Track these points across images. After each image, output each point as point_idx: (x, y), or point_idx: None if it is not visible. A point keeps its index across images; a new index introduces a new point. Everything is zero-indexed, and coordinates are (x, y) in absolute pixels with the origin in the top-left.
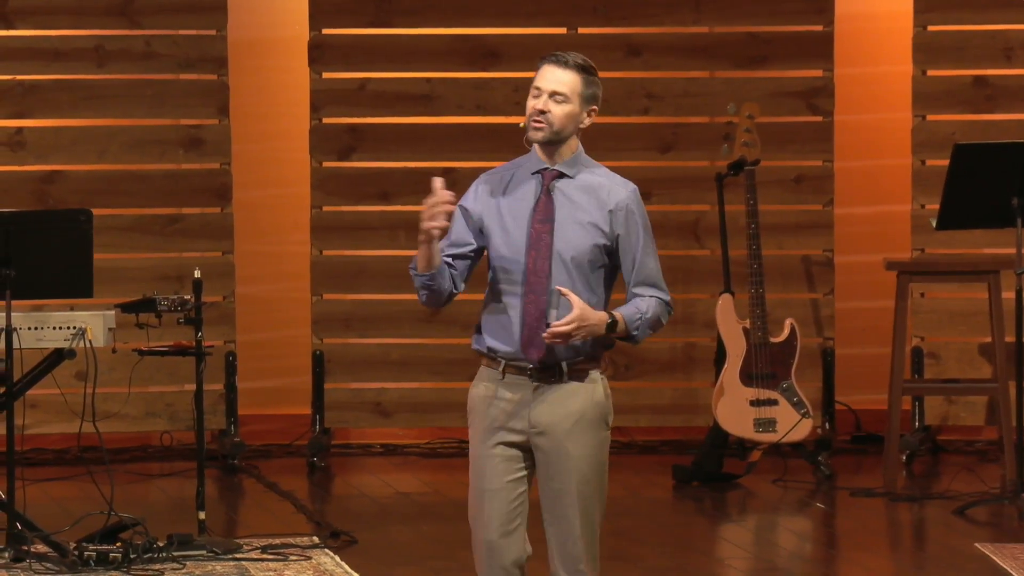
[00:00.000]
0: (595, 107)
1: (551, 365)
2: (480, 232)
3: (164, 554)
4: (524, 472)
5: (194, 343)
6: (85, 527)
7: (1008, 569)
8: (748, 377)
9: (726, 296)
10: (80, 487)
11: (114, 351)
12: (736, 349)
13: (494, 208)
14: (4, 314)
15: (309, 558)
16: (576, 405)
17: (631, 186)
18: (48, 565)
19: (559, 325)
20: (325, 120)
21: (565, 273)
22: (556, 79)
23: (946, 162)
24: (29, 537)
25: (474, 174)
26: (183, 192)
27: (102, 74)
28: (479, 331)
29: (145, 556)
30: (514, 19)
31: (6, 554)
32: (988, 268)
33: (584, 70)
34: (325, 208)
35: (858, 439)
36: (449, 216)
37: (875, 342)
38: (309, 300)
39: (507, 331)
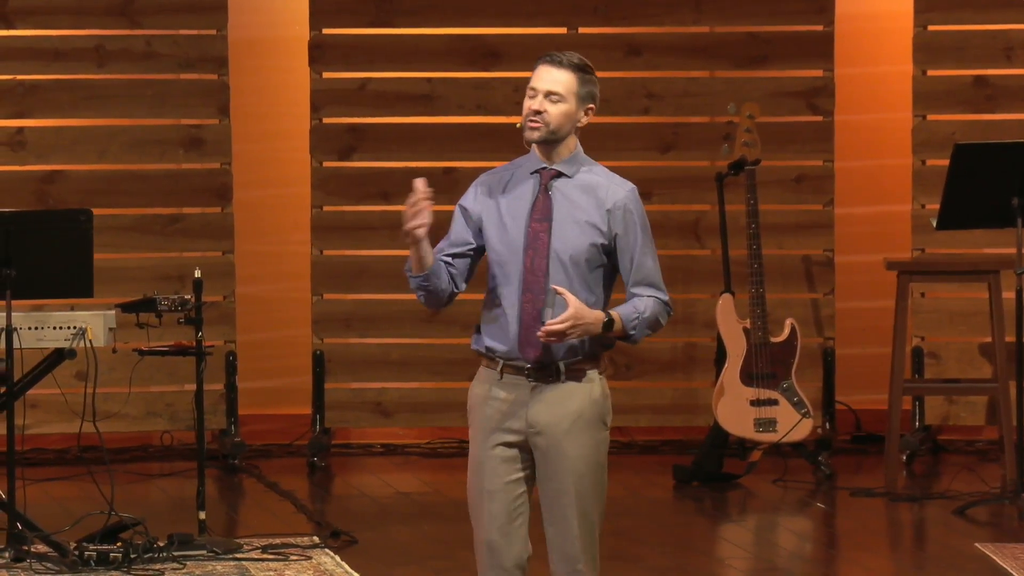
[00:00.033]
0: (592, 106)
1: (548, 365)
2: (480, 231)
3: (164, 554)
4: (524, 472)
5: (194, 343)
6: (85, 527)
7: (1008, 569)
8: (748, 377)
9: (726, 296)
10: (80, 487)
11: (114, 351)
12: (736, 349)
13: (493, 207)
14: (4, 314)
15: (309, 558)
16: (573, 405)
17: (629, 185)
18: (48, 565)
19: (553, 323)
20: (325, 120)
21: (563, 272)
22: (551, 79)
23: (946, 162)
24: (29, 537)
25: (474, 174)
26: (183, 192)
27: (102, 74)
28: (478, 331)
29: (145, 556)
30: (514, 19)
31: (6, 554)
32: (988, 268)
33: (580, 69)
34: (325, 208)
35: (858, 439)
36: (431, 214)
37: (875, 342)
38: (309, 300)
39: (505, 330)
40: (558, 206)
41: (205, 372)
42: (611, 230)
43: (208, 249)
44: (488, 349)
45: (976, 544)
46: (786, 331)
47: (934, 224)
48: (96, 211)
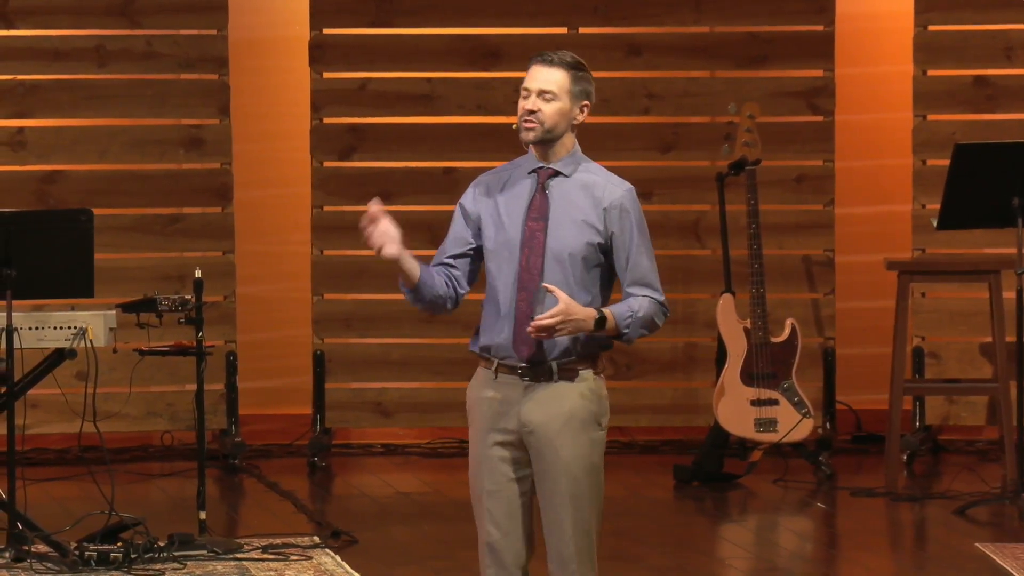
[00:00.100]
0: (587, 102)
1: (541, 364)
2: (479, 231)
3: (165, 554)
4: (524, 472)
5: (195, 343)
6: (86, 527)
7: (1009, 569)
8: (749, 377)
9: (727, 296)
10: (81, 487)
11: (115, 351)
12: (737, 349)
13: (491, 206)
14: (5, 314)
15: (310, 558)
16: (566, 405)
17: (627, 185)
18: (49, 565)
19: (543, 318)
20: (326, 120)
21: (559, 271)
22: (544, 78)
23: (947, 162)
24: (30, 537)
25: (474, 174)
26: (184, 192)
27: (103, 74)
28: (477, 333)
29: (146, 556)
30: (515, 19)
31: (7, 554)
32: (989, 268)
33: (572, 67)
34: (326, 208)
35: (859, 439)
36: (389, 233)
37: (876, 342)
38: (310, 300)
39: (500, 329)
40: (555, 205)
41: (205, 372)
42: (607, 229)
43: (208, 249)
44: (483, 348)
45: (976, 544)
46: (786, 331)
47: (934, 224)
48: (96, 211)
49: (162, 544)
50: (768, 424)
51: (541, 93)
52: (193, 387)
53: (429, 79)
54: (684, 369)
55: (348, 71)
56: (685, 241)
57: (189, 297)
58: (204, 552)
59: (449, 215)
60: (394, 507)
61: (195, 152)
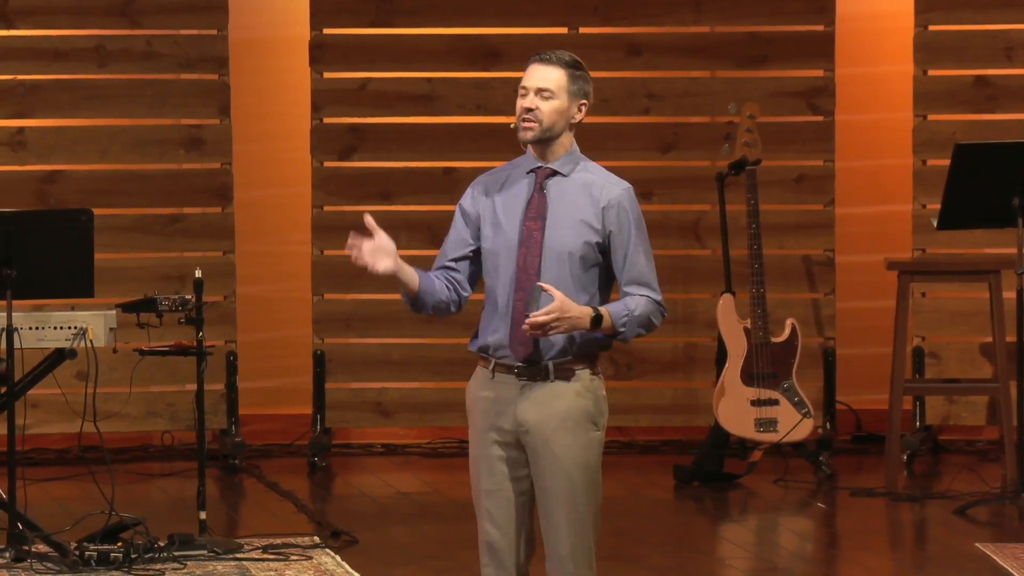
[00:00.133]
0: (585, 101)
1: (537, 363)
2: (479, 232)
3: (165, 554)
4: (523, 472)
5: (195, 343)
6: (86, 527)
7: (1009, 569)
8: (749, 377)
9: (727, 296)
10: (81, 487)
11: (115, 351)
12: (737, 349)
13: (489, 206)
14: (5, 314)
15: (310, 558)
16: (561, 405)
17: (625, 184)
18: (49, 565)
19: (537, 315)
20: (326, 120)
21: (557, 270)
22: (541, 76)
23: (947, 162)
24: (30, 537)
25: (474, 174)
26: (184, 192)
27: (103, 74)
28: (476, 332)
29: (146, 556)
30: (515, 19)
31: (7, 554)
32: (989, 268)
33: (570, 65)
34: (326, 208)
35: (859, 439)
36: (381, 249)
37: (876, 342)
38: (310, 300)
39: (497, 329)
40: (553, 205)
41: (206, 372)
42: (605, 228)
43: (209, 249)
44: (481, 348)
45: (977, 544)
46: (787, 331)
47: (935, 224)
48: (97, 211)
49: (162, 544)
50: (768, 424)
51: (539, 91)
52: (193, 387)
53: (429, 79)
54: (684, 369)
55: (348, 71)
56: (685, 241)
57: (189, 297)
58: (204, 552)
59: (449, 215)
60: (394, 507)
61: (195, 152)
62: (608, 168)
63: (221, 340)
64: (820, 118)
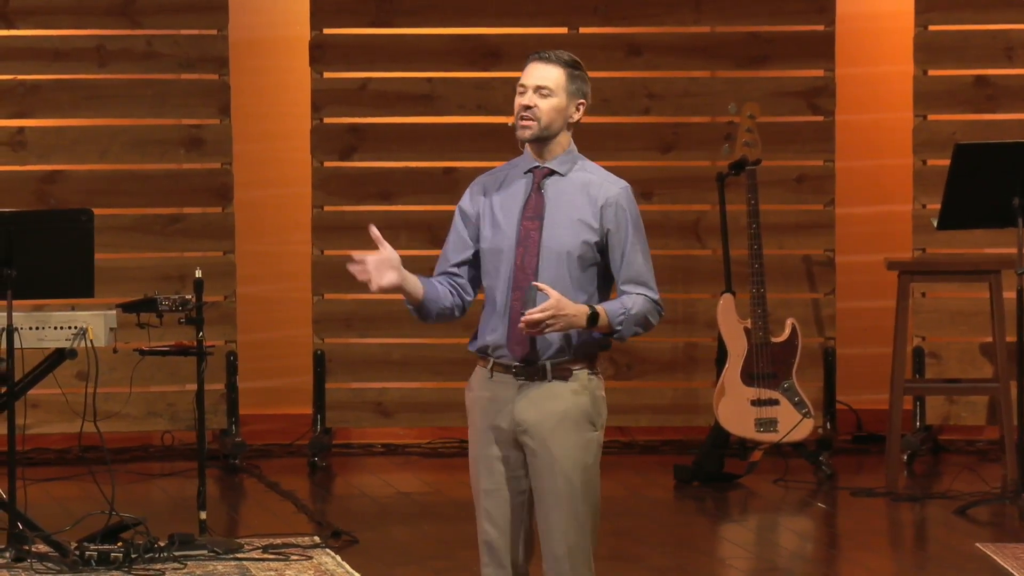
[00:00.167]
0: (583, 101)
1: (534, 363)
2: (479, 232)
3: (165, 554)
4: (522, 471)
5: (195, 343)
6: (86, 527)
7: (1009, 569)
8: (749, 377)
9: (727, 296)
10: (81, 487)
11: (115, 351)
12: (737, 349)
13: (487, 206)
14: (5, 314)
15: (310, 558)
16: (558, 405)
17: (623, 183)
18: (49, 565)
19: (533, 312)
20: (326, 120)
21: (555, 270)
22: (540, 75)
23: (947, 162)
24: (30, 537)
25: (474, 174)
26: (184, 192)
27: (103, 74)
28: (475, 333)
29: (146, 556)
30: (515, 19)
31: (7, 554)
32: (989, 268)
33: (569, 65)
34: (326, 208)
35: (859, 439)
36: (385, 266)
37: (876, 342)
38: (310, 300)
39: (495, 328)
40: (551, 204)
41: (206, 372)
42: (603, 226)
43: (209, 249)
44: (480, 348)
45: (977, 544)
46: (787, 331)
47: (935, 224)
48: (97, 211)
49: (162, 544)
50: (768, 424)
51: (538, 89)
52: (193, 387)
53: (429, 79)
54: (684, 369)
55: (348, 71)
56: (685, 241)
57: (189, 297)
58: (204, 552)
59: (449, 215)
60: (394, 507)
61: (195, 152)
62: (608, 168)
63: (221, 340)
64: (820, 118)
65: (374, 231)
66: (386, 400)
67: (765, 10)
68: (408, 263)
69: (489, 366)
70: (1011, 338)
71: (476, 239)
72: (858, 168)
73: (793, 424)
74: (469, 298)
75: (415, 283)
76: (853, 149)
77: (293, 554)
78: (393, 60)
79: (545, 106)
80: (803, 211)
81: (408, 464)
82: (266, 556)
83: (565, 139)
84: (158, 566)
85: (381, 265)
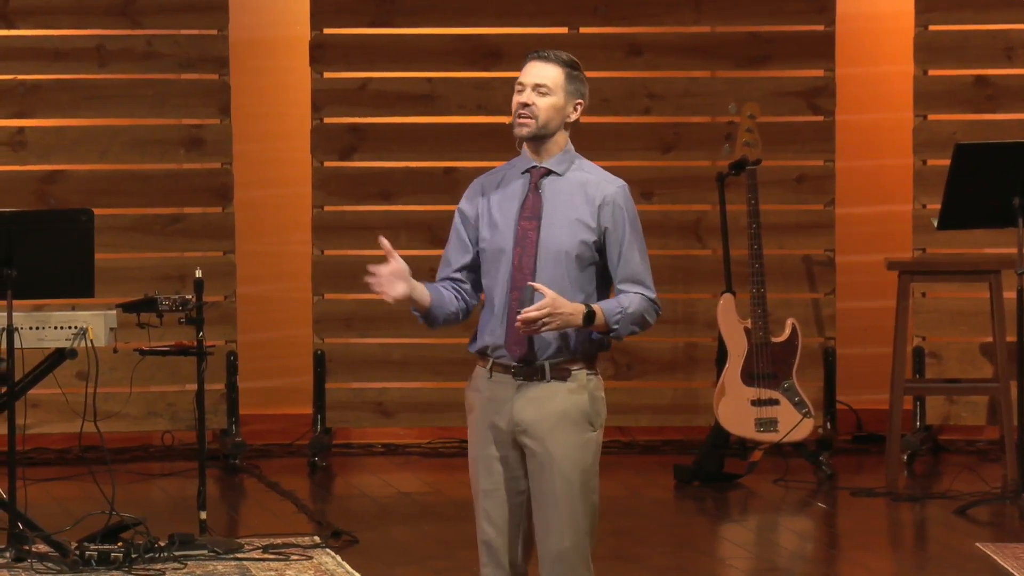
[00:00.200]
0: (580, 101)
1: (533, 363)
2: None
3: (165, 554)
4: (522, 471)
5: (195, 343)
6: (86, 527)
7: (1009, 569)
8: (749, 377)
9: (727, 296)
10: (81, 487)
11: (115, 351)
12: (737, 349)
13: (485, 207)
14: (5, 314)
15: (310, 558)
16: (557, 405)
17: (620, 182)
18: (49, 565)
19: (529, 311)
20: (326, 120)
21: (552, 270)
22: (539, 73)
23: (947, 162)
24: (30, 537)
25: (474, 174)
26: (184, 192)
27: (103, 74)
28: (475, 334)
29: (146, 556)
30: (515, 19)
31: (7, 554)
32: (989, 268)
33: (567, 65)
34: (326, 208)
35: (859, 439)
36: (397, 279)
37: (876, 342)
38: (310, 300)
39: (493, 329)
40: (548, 204)
41: (206, 372)
42: (600, 225)
43: (209, 249)
44: (479, 349)
45: (977, 544)
46: (787, 331)
47: (935, 224)
48: (97, 211)
49: (163, 544)
50: (768, 424)
51: (536, 87)
52: (193, 387)
53: (429, 79)
54: (684, 369)
55: (348, 71)
56: (686, 241)
57: (190, 297)
58: (205, 552)
59: (449, 215)
60: (395, 507)
61: (196, 152)
62: (609, 168)
63: (221, 340)
64: (820, 118)
65: (384, 243)
66: (386, 400)
67: (765, 10)
68: (408, 263)
69: (488, 366)
70: (1011, 338)
71: (476, 241)
72: (858, 168)
73: (793, 424)
74: (473, 302)
75: (422, 291)
76: (853, 149)
77: (293, 554)
78: (393, 60)
79: (543, 104)
80: (803, 211)
81: (408, 464)
82: (266, 556)
83: (562, 139)
84: (158, 566)
85: (392, 276)
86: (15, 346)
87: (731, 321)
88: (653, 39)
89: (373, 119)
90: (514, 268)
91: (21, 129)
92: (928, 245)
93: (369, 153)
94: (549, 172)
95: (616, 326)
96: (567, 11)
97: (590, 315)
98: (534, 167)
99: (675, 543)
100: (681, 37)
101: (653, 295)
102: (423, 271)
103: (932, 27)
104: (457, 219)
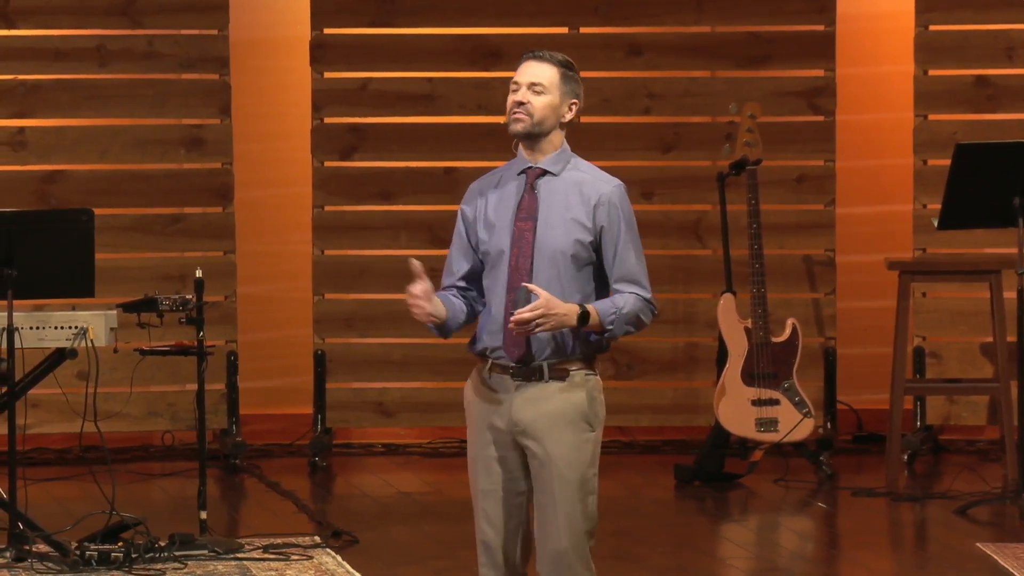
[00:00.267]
0: (575, 102)
1: (531, 364)
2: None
3: (166, 554)
4: (521, 472)
5: (196, 343)
6: (87, 527)
7: (1009, 569)
8: (750, 377)
9: (728, 296)
10: (82, 487)
11: (116, 351)
12: (738, 349)
13: (482, 208)
14: (6, 314)
15: (311, 558)
16: (555, 405)
17: (616, 181)
18: (50, 565)
19: (522, 312)
20: (327, 120)
21: (549, 271)
22: (534, 72)
23: (948, 162)
24: (31, 537)
25: (475, 174)
26: (185, 192)
27: (104, 74)
28: (475, 335)
29: (147, 556)
30: (515, 19)
31: (8, 554)
32: (990, 268)
33: (562, 65)
34: (327, 208)
35: (860, 439)
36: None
37: (877, 342)
38: (311, 300)
39: (492, 330)
40: (544, 205)
41: (206, 372)
42: (596, 224)
43: (209, 249)
44: (478, 350)
45: (977, 544)
46: (787, 331)
47: (935, 224)
48: (97, 211)
49: (163, 544)
50: (769, 424)
51: (531, 86)
52: (194, 387)
53: (430, 79)
54: (685, 369)
55: (349, 71)
56: (686, 241)
57: (190, 297)
58: (205, 552)
59: (450, 215)
60: (395, 507)
61: (196, 152)
62: (609, 168)
63: (222, 340)
64: (821, 118)
65: (415, 264)
66: (386, 400)
67: (765, 10)
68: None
69: (487, 367)
70: (1011, 338)
71: (477, 244)
72: (858, 168)
73: (794, 424)
74: (480, 308)
75: (439, 307)
76: (853, 149)
77: (293, 554)
78: (393, 60)
79: (538, 102)
80: (803, 211)
81: (408, 464)
82: (266, 556)
83: (558, 138)
84: (158, 566)
85: (421, 298)
86: (15, 346)
87: (731, 321)
88: (653, 39)
89: (373, 119)
90: (511, 269)
91: (21, 129)
92: (928, 245)
93: (369, 153)
94: (545, 172)
95: (611, 326)
96: (567, 11)
97: (584, 316)
98: (530, 168)
99: (675, 543)
100: (681, 37)
101: (649, 295)
102: (423, 271)
103: (932, 27)
104: (459, 223)
